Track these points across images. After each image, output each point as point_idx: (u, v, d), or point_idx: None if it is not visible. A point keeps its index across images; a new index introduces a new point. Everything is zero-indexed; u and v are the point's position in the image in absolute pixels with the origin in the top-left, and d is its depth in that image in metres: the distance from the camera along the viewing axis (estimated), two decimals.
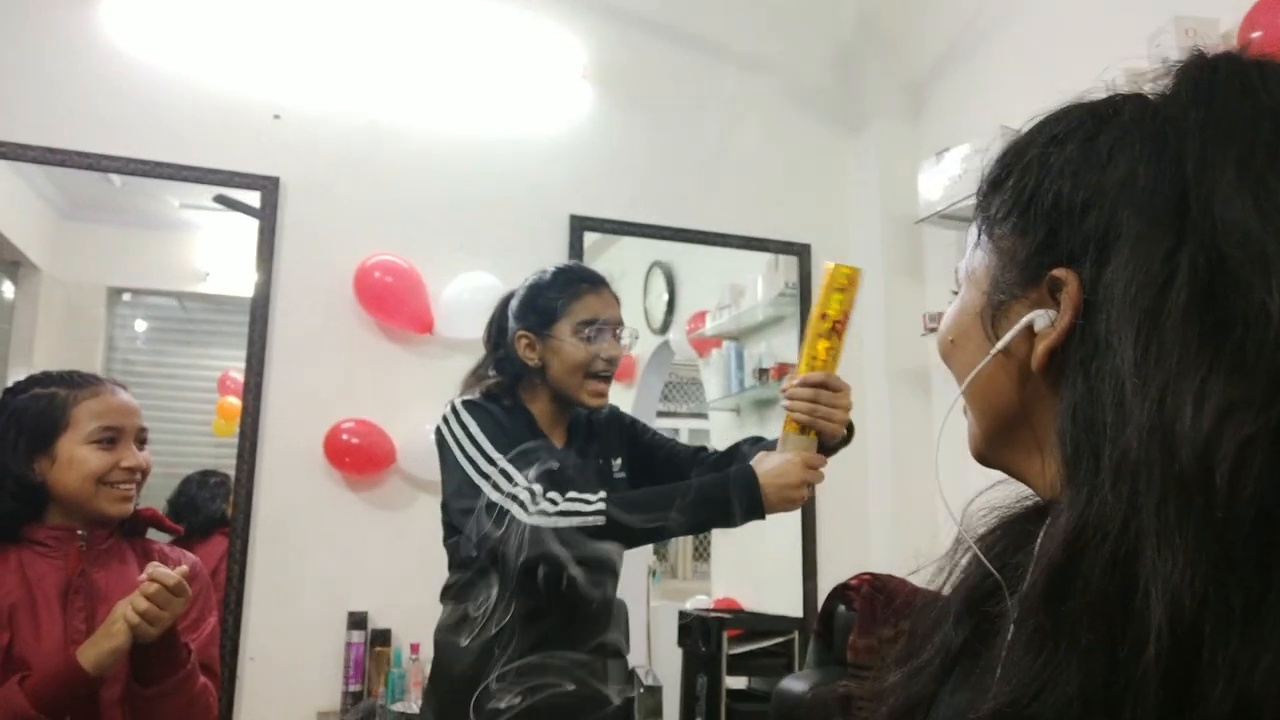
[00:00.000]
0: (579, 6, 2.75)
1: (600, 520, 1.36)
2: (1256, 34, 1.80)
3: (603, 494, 1.40)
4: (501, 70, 2.66)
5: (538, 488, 1.41)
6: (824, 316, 1.32)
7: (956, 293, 0.60)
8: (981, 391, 0.55)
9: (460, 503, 1.48)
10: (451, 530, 1.58)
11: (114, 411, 1.44)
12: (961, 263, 0.59)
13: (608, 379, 1.60)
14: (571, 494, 1.40)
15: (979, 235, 0.57)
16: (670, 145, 2.79)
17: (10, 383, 1.49)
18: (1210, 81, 0.49)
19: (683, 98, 2.82)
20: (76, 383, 1.45)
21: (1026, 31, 2.49)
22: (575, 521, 1.37)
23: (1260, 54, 0.51)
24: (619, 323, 1.61)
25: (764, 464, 1.38)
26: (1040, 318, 0.51)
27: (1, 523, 1.38)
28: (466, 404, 1.55)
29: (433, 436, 1.57)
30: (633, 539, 1.44)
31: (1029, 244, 0.52)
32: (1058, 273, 0.50)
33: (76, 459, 1.39)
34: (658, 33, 2.82)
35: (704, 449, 1.72)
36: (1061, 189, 0.51)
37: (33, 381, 1.45)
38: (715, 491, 1.38)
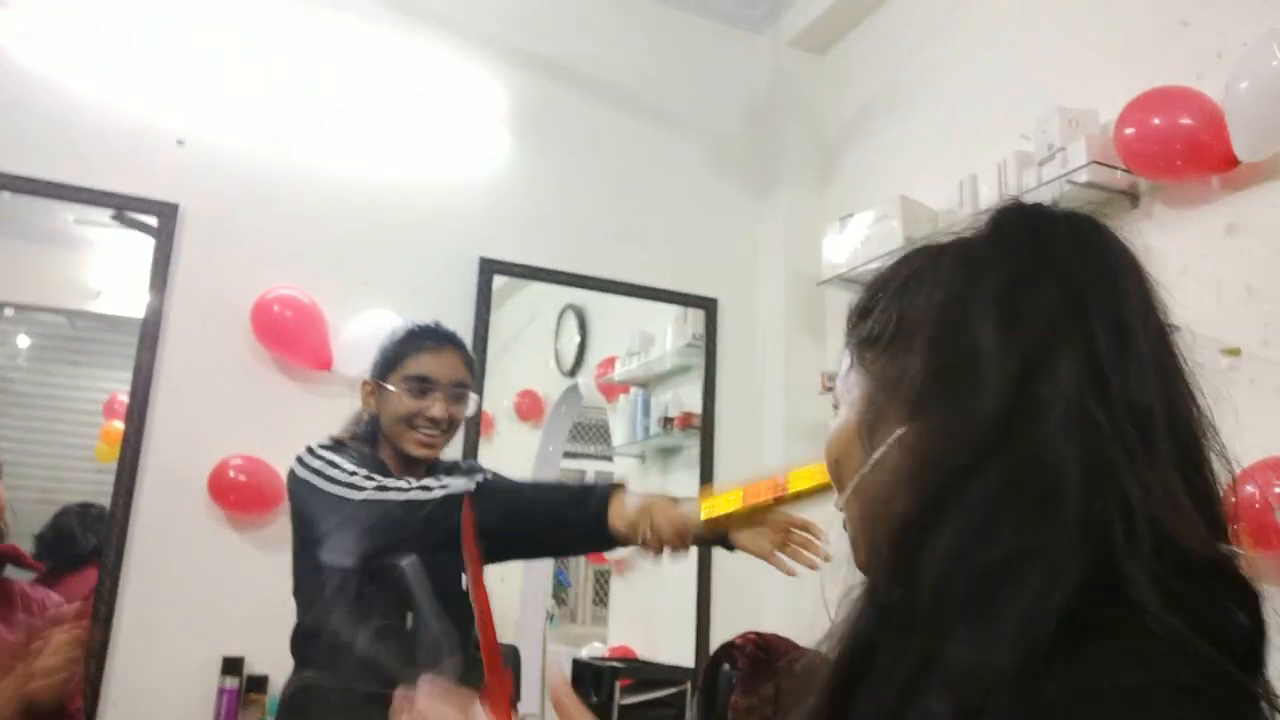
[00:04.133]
0: (498, 50, 2.77)
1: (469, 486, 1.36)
2: (1129, 130, 1.91)
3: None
4: (416, 109, 2.65)
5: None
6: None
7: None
8: (868, 501, 0.59)
9: (331, 520, 1.42)
10: (304, 574, 1.52)
11: None
12: (838, 384, 0.64)
13: (433, 435, 1.59)
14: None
15: (851, 360, 0.62)
16: (584, 193, 2.82)
17: None
18: (1005, 225, 0.58)
19: (598, 147, 2.86)
20: None
21: (930, 110, 2.60)
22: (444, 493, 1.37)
23: (1055, 207, 0.59)
24: (456, 384, 1.60)
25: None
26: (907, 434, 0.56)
27: None
28: (321, 445, 1.54)
29: (288, 484, 1.53)
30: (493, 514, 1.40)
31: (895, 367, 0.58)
32: None
33: None
34: (576, 82, 2.85)
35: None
36: (905, 319, 0.58)
37: None
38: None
